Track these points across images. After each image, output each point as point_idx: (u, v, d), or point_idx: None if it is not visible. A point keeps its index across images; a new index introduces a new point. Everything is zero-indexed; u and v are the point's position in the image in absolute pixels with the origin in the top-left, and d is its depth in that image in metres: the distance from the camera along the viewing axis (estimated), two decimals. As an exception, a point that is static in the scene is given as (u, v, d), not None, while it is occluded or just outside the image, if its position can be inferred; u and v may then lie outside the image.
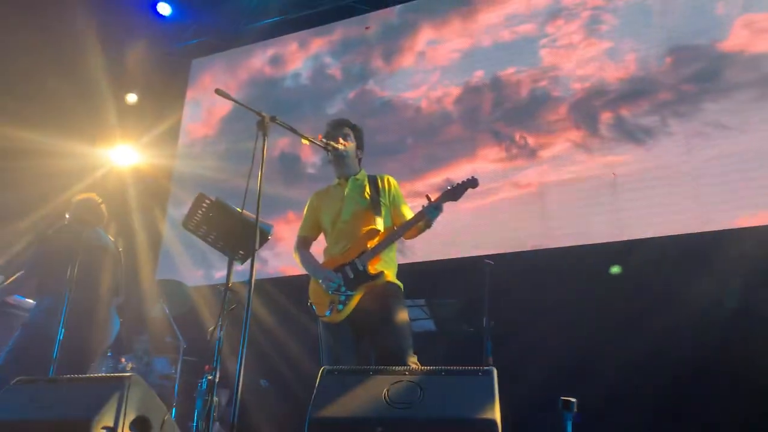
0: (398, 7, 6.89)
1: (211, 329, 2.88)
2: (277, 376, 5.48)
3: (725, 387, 4.20)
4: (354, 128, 3.65)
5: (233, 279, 2.98)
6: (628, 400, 4.33)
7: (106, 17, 6.83)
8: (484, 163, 5.79)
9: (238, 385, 2.51)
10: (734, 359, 4.19)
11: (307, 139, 3.31)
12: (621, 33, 5.60)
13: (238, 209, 3.07)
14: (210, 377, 2.91)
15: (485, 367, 2.30)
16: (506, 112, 5.85)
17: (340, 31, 7.17)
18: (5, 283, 4.14)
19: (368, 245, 3.29)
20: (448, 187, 3.30)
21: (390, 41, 6.77)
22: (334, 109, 6.74)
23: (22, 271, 4.14)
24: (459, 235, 5.50)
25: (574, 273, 4.90)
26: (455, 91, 6.21)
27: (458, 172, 5.76)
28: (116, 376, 2.55)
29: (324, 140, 3.46)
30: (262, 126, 2.90)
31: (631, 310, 4.58)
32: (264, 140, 2.91)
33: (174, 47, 7.93)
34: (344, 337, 3.23)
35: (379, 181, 3.54)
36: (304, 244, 3.55)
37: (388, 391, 2.24)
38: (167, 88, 7.83)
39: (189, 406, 5.01)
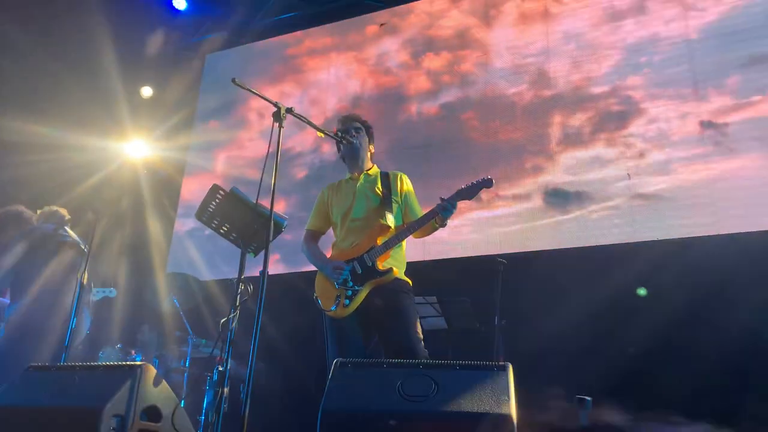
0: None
1: (222, 321, 2.87)
2: (287, 369, 5.48)
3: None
4: (364, 124, 3.64)
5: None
6: (641, 397, 4.28)
7: (121, 11, 6.84)
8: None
9: (249, 378, 2.50)
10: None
11: (322, 132, 3.31)
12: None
13: (253, 201, 3.05)
14: (221, 368, 2.90)
15: (501, 363, 2.27)
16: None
17: (353, 27, 7.14)
18: None
19: (378, 241, 3.28)
20: (463, 186, 3.28)
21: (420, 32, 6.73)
22: (348, 104, 6.70)
23: None
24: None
25: (585, 272, 4.86)
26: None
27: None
28: (128, 365, 2.55)
29: (339, 134, 3.46)
30: (277, 117, 2.90)
31: (640, 307, 4.55)
32: (279, 131, 2.90)
33: (188, 42, 7.94)
34: (350, 332, 3.21)
35: (392, 177, 3.52)
36: (312, 238, 3.55)
37: (401, 384, 2.22)
38: (180, 82, 7.83)
39: (198, 399, 5.02)
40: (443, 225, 3.29)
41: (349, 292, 3.19)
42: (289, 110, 2.95)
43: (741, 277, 4.29)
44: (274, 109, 2.92)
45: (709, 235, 4.69)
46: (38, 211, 4.60)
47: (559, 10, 5.90)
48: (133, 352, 5.32)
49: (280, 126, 2.88)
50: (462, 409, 2.12)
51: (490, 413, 2.10)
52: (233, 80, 2.83)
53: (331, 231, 3.63)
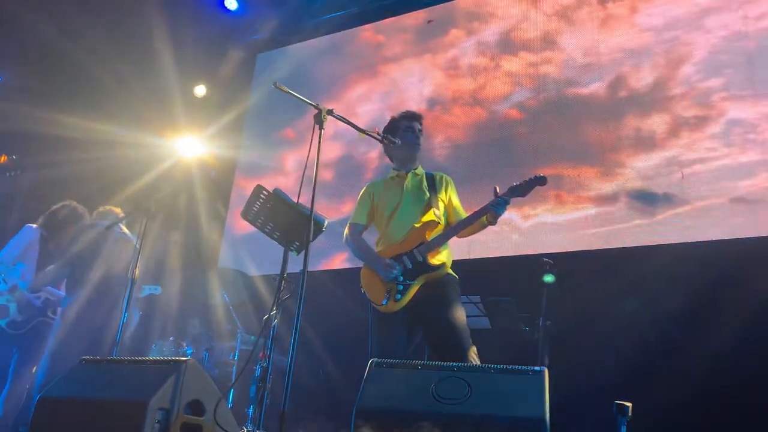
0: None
1: (265, 318, 2.95)
2: (324, 366, 5.55)
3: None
4: (422, 124, 3.68)
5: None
6: (684, 407, 4.17)
7: (175, 11, 7.02)
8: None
9: (289, 373, 2.55)
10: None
11: (364, 132, 3.34)
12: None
13: (294, 201, 3.12)
14: (264, 365, 2.97)
15: (536, 367, 2.26)
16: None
17: (408, 23, 7.11)
18: (37, 275, 4.61)
19: (426, 236, 3.32)
20: (516, 183, 3.28)
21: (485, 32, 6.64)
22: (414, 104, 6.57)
23: (53, 265, 4.56)
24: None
25: (636, 274, 4.74)
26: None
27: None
28: (174, 360, 2.64)
29: (381, 134, 3.49)
30: (318, 119, 2.95)
31: (693, 313, 4.40)
32: (320, 132, 2.96)
33: (240, 42, 8.10)
34: (399, 327, 3.25)
35: (437, 179, 3.60)
36: (358, 232, 3.57)
37: (435, 386, 2.23)
38: (233, 82, 8.00)
39: (246, 392, 5.14)
40: (493, 223, 3.30)
41: (401, 287, 3.24)
42: (330, 112, 3.00)
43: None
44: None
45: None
46: (94, 212, 4.79)
47: (640, 10, 5.66)
48: (184, 344, 5.49)
49: (321, 128, 2.94)
50: (495, 412, 2.12)
51: (524, 417, 2.09)
52: (275, 84, 2.89)
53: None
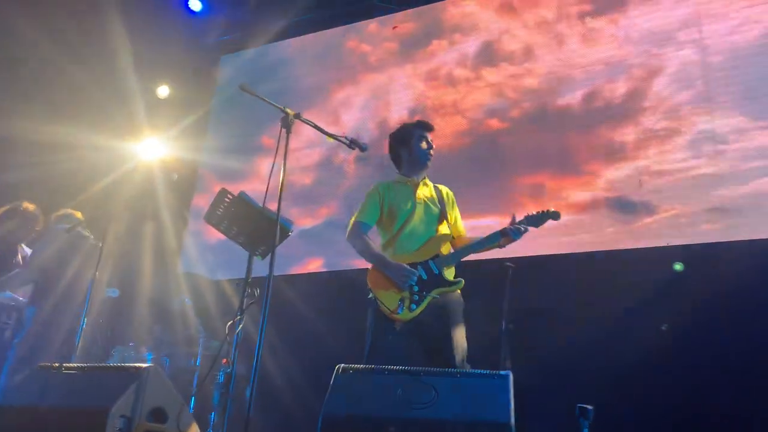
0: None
1: (229, 323, 2.91)
2: (290, 372, 5.51)
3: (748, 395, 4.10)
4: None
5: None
6: (646, 409, 4.26)
7: (137, 11, 6.91)
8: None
9: (254, 379, 2.53)
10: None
11: (332, 137, 3.33)
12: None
13: (260, 205, 3.10)
14: (227, 371, 2.94)
15: (501, 371, 2.28)
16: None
17: (374, 27, 7.11)
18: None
19: (442, 249, 3.35)
20: (533, 213, 3.35)
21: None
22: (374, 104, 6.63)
23: (18, 270, 4.46)
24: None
25: (596, 279, 4.83)
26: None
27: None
28: (135, 367, 2.59)
29: (348, 138, 3.47)
30: (285, 122, 2.94)
31: (655, 317, 4.50)
32: (288, 136, 2.95)
33: (204, 43, 8.00)
34: (403, 336, 3.20)
35: (444, 192, 3.63)
36: (366, 232, 3.45)
37: (402, 391, 2.24)
38: (196, 83, 7.89)
39: (208, 398, 5.06)
40: (503, 246, 3.37)
41: (416, 297, 3.20)
42: (297, 116, 2.99)
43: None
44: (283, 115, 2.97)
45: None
46: (53, 215, 4.66)
47: (617, 24, 5.75)
48: (144, 350, 5.38)
49: (288, 132, 2.92)
50: (462, 416, 2.14)
51: (490, 421, 2.11)
52: (241, 86, 2.88)
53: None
